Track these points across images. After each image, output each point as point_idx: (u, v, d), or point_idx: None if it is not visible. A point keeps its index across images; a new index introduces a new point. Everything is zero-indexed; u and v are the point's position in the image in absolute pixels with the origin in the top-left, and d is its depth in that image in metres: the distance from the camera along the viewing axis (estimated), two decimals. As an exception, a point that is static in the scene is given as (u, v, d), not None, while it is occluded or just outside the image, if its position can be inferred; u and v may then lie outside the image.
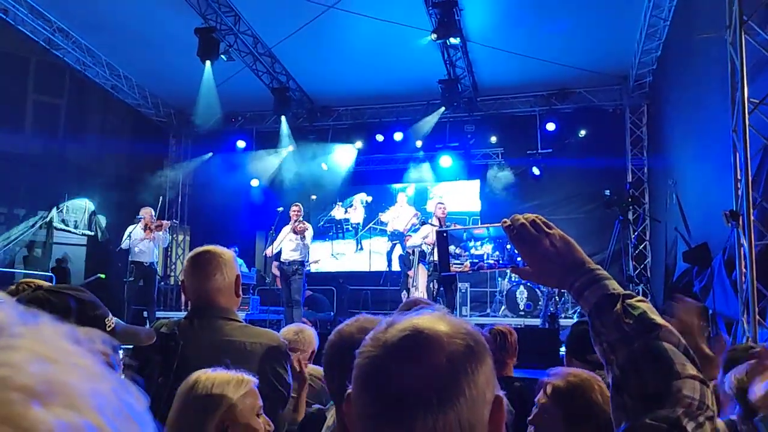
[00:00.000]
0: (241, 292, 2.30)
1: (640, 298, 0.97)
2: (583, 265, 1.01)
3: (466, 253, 1.18)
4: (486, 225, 1.18)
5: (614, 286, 0.98)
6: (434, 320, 0.77)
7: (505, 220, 1.07)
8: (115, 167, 11.80)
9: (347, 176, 12.83)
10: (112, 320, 1.50)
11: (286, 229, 8.39)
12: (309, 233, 8.40)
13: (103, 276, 9.64)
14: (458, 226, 1.49)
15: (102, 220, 11.37)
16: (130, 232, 8.49)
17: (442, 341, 0.74)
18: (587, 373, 1.94)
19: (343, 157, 12.56)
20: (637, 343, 0.91)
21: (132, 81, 11.57)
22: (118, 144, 11.74)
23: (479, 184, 12.18)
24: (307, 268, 9.35)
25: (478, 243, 1.17)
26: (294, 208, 8.42)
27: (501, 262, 1.15)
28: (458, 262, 1.18)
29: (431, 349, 0.73)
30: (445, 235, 1.20)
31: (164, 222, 8.79)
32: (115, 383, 0.37)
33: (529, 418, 1.96)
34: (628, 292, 0.98)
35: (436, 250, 7.84)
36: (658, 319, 0.94)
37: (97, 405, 0.34)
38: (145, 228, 8.50)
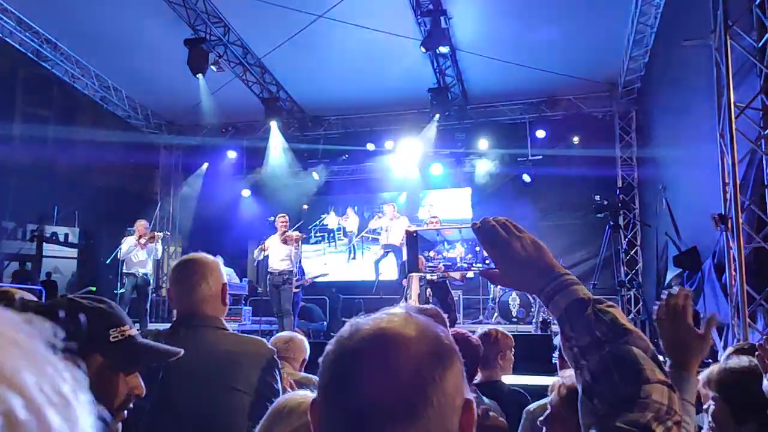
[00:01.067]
0: (228, 301, 2.27)
1: (610, 303, 0.97)
2: (552, 270, 1.00)
3: (440, 256, 1.18)
4: (457, 226, 1.19)
5: (584, 291, 0.98)
6: (402, 323, 0.74)
7: (475, 222, 1.06)
8: (105, 179, 11.72)
9: (338, 185, 12.82)
10: (117, 332, 1.29)
11: (274, 239, 8.33)
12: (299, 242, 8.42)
13: (93, 289, 9.57)
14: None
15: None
16: (121, 245, 8.47)
17: (408, 348, 0.71)
18: None
19: (333, 166, 12.56)
20: (608, 348, 0.90)
21: (122, 92, 11.52)
22: (108, 156, 11.64)
23: (470, 192, 12.19)
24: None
25: (449, 246, 1.18)
26: (280, 219, 8.38)
27: (473, 265, 1.15)
28: (432, 264, 1.19)
29: (396, 356, 0.70)
30: (415, 235, 1.20)
31: (156, 234, 8.78)
32: (53, 364, 0.37)
33: (541, 419, 2.00)
34: (597, 297, 0.98)
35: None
36: (628, 325, 0.94)
37: (28, 381, 0.34)
38: (139, 239, 8.51)
